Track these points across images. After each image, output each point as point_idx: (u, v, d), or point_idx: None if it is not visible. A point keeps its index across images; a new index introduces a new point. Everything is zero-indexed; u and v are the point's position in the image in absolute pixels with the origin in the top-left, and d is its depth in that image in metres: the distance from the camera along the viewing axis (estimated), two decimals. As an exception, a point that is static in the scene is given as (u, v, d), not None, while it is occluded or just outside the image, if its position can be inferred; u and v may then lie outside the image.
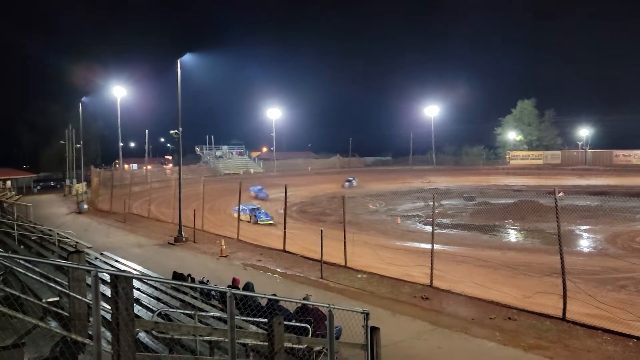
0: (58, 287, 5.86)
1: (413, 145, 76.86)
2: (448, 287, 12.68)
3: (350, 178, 50.44)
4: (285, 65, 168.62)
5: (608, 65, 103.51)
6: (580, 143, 69.63)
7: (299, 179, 50.71)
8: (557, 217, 11.07)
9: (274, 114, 75.77)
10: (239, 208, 30.31)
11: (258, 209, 30.18)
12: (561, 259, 10.61)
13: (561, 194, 38.90)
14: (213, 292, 9.54)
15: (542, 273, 14.00)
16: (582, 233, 24.76)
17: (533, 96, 72.95)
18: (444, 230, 26.35)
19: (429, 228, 20.96)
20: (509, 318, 10.49)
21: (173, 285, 9.73)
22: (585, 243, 22.94)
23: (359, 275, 14.55)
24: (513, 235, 26.44)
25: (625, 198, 38.81)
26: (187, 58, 24.45)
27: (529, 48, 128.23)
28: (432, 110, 76.53)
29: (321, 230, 14.99)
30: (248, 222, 28.25)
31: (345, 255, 15.52)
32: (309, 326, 7.27)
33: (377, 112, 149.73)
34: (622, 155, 61.58)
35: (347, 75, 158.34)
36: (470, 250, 19.64)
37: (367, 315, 6.45)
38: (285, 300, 7.95)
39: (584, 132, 70.50)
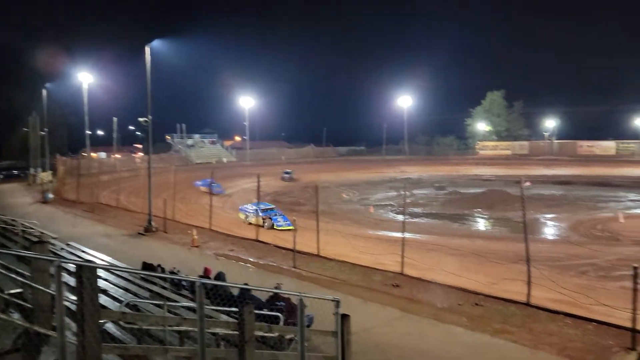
0: (20, 279, 5.68)
1: (386, 135, 77.46)
2: (419, 275, 12.94)
3: (289, 171, 50.69)
4: (258, 54, 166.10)
5: (575, 58, 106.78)
6: (546, 134, 71.56)
7: (272, 169, 50.45)
8: (522, 206, 11.44)
9: (247, 102, 74.84)
10: (251, 208, 24.86)
11: (273, 209, 24.77)
12: (526, 246, 10.97)
13: (528, 183, 40.09)
14: (183, 282, 9.43)
15: (508, 260, 14.46)
16: (547, 221, 25.62)
17: (503, 87, 74.50)
18: (415, 219, 26.81)
19: (401, 217, 21.27)
20: (477, 304, 10.80)
21: (142, 275, 9.56)
22: (550, 231, 23.76)
23: (331, 264, 14.67)
24: (482, 224, 27.12)
25: (587, 187, 40.65)
26: (157, 44, 23.75)
27: (500, 40, 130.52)
28: (405, 101, 77.20)
29: (294, 220, 15.00)
30: (261, 226, 21.46)
31: (318, 244, 15.60)
32: (280, 315, 7.29)
33: (351, 102, 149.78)
34: (586, 146, 63.85)
35: (321, 65, 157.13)
36: (440, 239, 20.07)
37: (337, 303, 6.50)
38: (257, 290, 7.94)
39: (551, 123, 72.49)
